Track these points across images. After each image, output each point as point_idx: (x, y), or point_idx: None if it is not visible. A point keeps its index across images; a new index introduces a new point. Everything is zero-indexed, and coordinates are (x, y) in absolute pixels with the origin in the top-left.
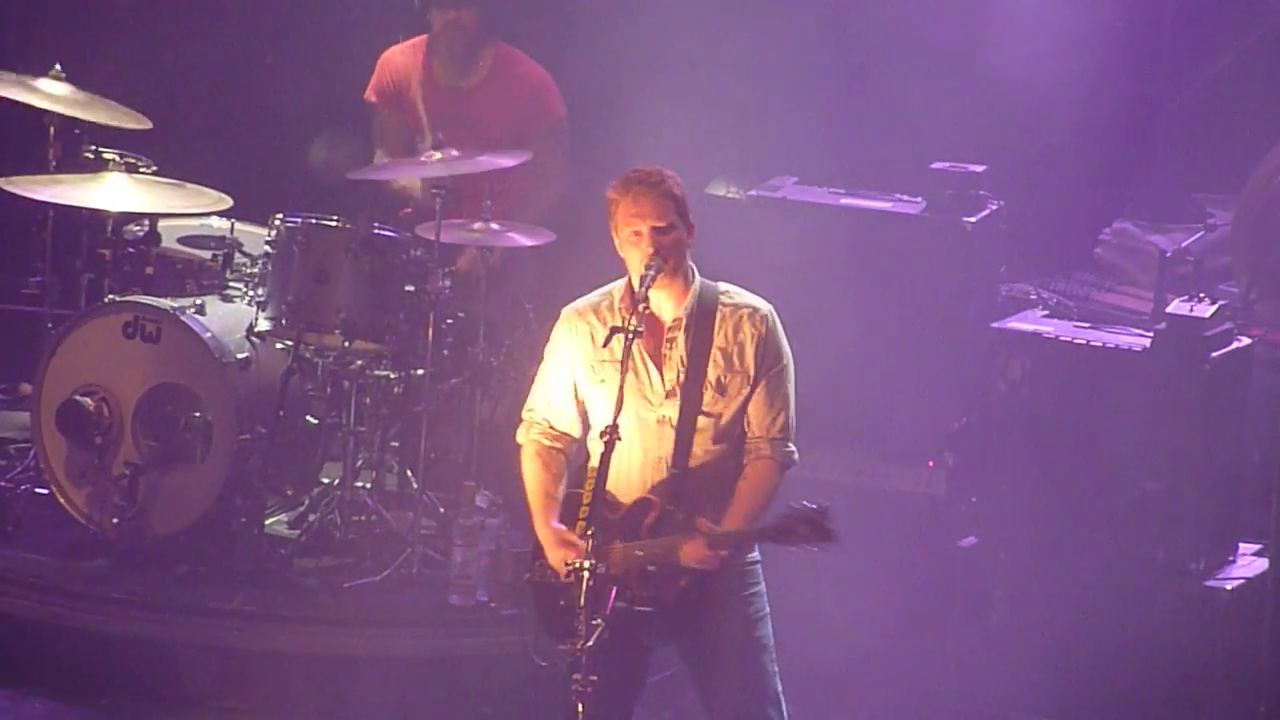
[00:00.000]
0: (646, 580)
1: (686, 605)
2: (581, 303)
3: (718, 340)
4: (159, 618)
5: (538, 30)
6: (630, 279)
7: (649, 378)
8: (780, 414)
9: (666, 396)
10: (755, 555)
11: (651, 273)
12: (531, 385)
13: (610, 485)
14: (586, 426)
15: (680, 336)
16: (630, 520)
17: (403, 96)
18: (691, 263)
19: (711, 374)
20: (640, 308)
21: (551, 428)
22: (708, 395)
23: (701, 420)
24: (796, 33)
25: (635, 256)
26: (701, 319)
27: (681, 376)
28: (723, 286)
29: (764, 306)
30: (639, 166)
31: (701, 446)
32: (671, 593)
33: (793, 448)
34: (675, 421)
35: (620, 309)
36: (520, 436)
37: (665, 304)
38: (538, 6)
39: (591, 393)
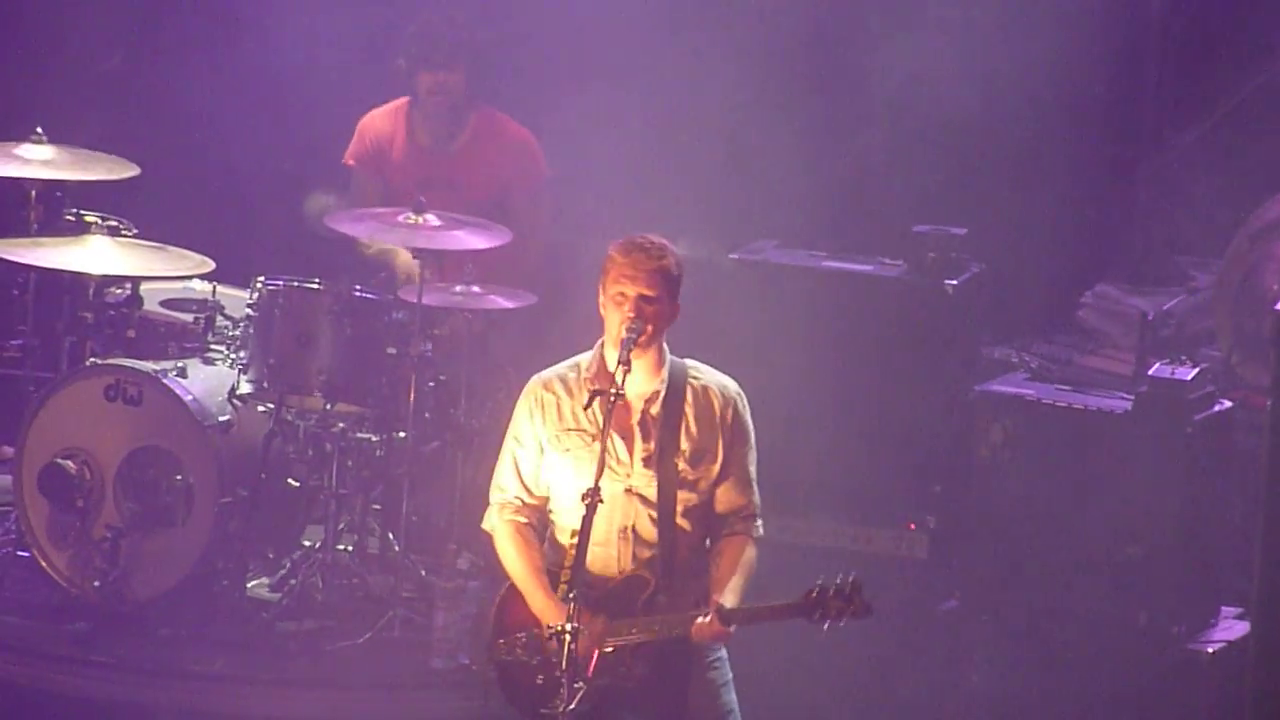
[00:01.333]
0: (637, 657)
1: (667, 683)
2: (548, 374)
3: (688, 415)
4: (140, 681)
5: (517, 93)
6: (604, 346)
7: (614, 448)
8: (749, 492)
9: (644, 466)
10: (721, 651)
11: (634, 335)
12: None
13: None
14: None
15: (653, 410)
16: (622, 597)
17: (383, 160)
18: (665, 342)
19: (684, 446)
20: (623, 370)
21: (521, 503)
22: (680, 467)
23: (680, 495)
24: (777, 94)
25: (615, 319)
26: (672, 395)
27: (654, 450)
28: (690, 364)
29: (731, 386)
30: (648, 234)
31: (678, 520)
32: (649, 667)
33: (760, 523)
34: (654, 497)
35: (587, 380)
36: (488, 523)
37: (638, 376)
38: (517, 69)
39: (556, 462)
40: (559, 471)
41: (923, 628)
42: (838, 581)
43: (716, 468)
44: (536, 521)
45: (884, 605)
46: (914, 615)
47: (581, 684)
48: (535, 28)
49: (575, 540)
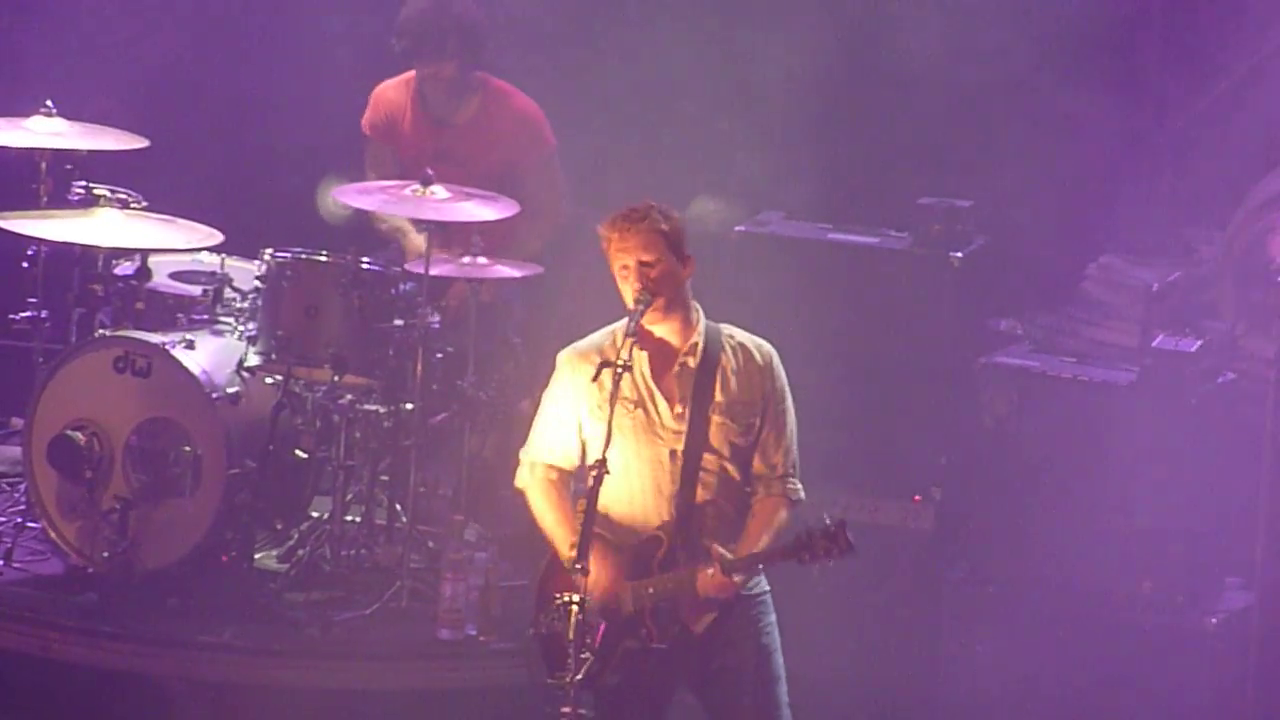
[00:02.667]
0: (658, 618)
1: (703, 641)
2: (584, 344)
3: (726, 368)
4: (149, 651)
5: (527, 67)
6: (625, 321)
7: (657, 412)
8: (786, 451)
9: (677, 421)
10: (765, 586)
11: (641, 306)
12: (529, 425)
13: (621, 524)
14: (583, 462)
15: (690, 362)
16: (639, 558)
17: (395, 130)
18: (696, 303)
19: (720, 399)
20: (629, 342)
21: (552, 468)
22: (714, 425)
23: (708, 455)
24: (784, 67)
25: (627, 292)
26: (708, 352)
27: (689, 406)
28: (726, 328)
29: (768, 345)
30: (630, 204)
31: (707, 481)
32: (691, 628)
33: (798, 484)
34: (681, 453)
35: (636, 346)
36: (521, 481)
37: (671, 335)
38: (526, 43)
39: (594, 430)
40: (600, 441)
41: (929, 599)
42: (825, 523)
43: (758, 421)
44: (567, 480)
45: (890, 577)
46: (920, 586)
47: (589, 654)
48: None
49: (581, 509)
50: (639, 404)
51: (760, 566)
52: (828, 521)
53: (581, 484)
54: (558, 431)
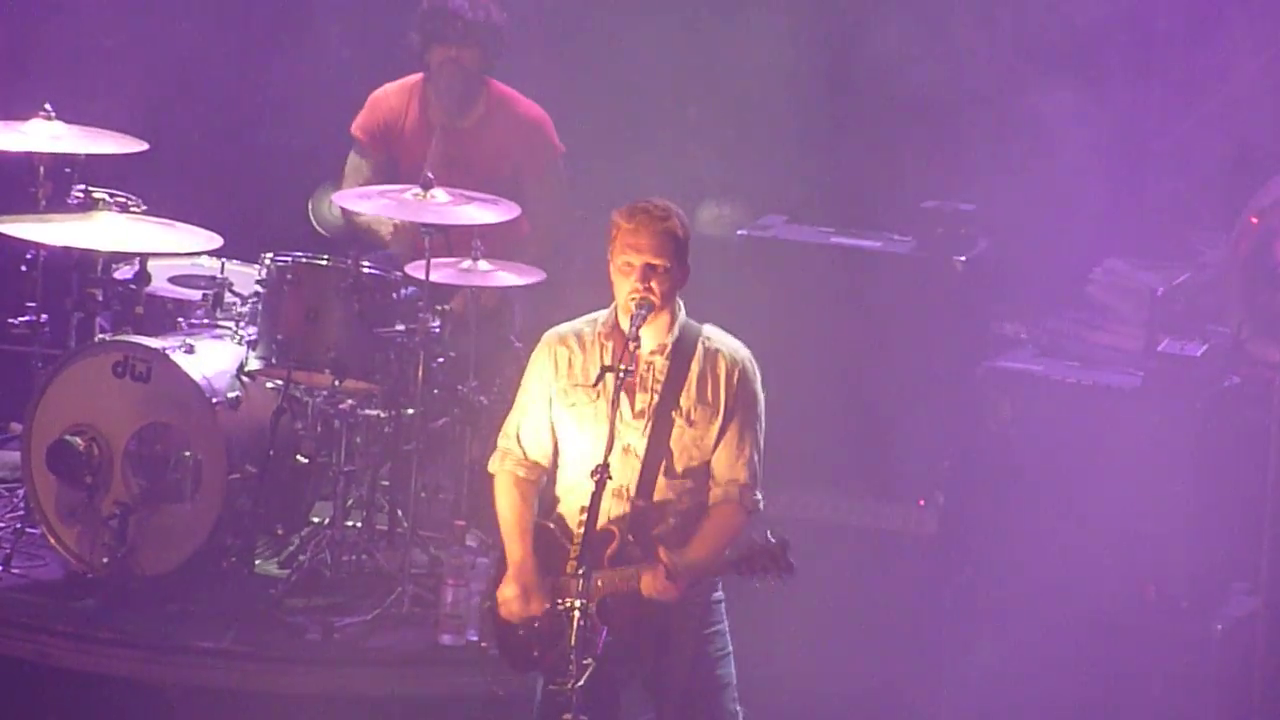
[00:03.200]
0: (602, 610)
1: (646, 641)
2: (564, 327)
3: (693, 372)
4: (149, 657)
5: (531, 69)
6: (616, 307)
7: (621, 410)
8: (749, 462)
9: (635, 418)
10: (719, 594)
11: (643, 312)
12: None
13: (571, 515)
14: (556, 455)
15: (658, 362)
16: (591, 552)
17: (393, 137)
18: (679, 300)
19: (683, 403)
20: (631, 347)
21: (525, 457)
22: (677, 425)
23: (665, 456)
24: (787, 71)
25: (624, 287)
26: (680, 351)
27: (654, 402)
28: (707, 329)
29: (743, 351)
30: (651, 198)
31: (665, 480)
32: (623, 622)
33: (759, 495)
34: (641, 452)
35: (600, 336)
36: (493, 465)
37: (647, 335)
38: (531, 46)
39: (562, 416)
40: (565, 426)
41: (932, 603)
42: (769, 540)
43: (715, 429)
44: (535, 478)
45: (894, 581)
46: (923, 591)
47: (590, 660)
48: (547, 3)
49: (583, 516)
50: (600, 394)
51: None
52: (771, 539)
53: (551, 487)
54: (530, 415)
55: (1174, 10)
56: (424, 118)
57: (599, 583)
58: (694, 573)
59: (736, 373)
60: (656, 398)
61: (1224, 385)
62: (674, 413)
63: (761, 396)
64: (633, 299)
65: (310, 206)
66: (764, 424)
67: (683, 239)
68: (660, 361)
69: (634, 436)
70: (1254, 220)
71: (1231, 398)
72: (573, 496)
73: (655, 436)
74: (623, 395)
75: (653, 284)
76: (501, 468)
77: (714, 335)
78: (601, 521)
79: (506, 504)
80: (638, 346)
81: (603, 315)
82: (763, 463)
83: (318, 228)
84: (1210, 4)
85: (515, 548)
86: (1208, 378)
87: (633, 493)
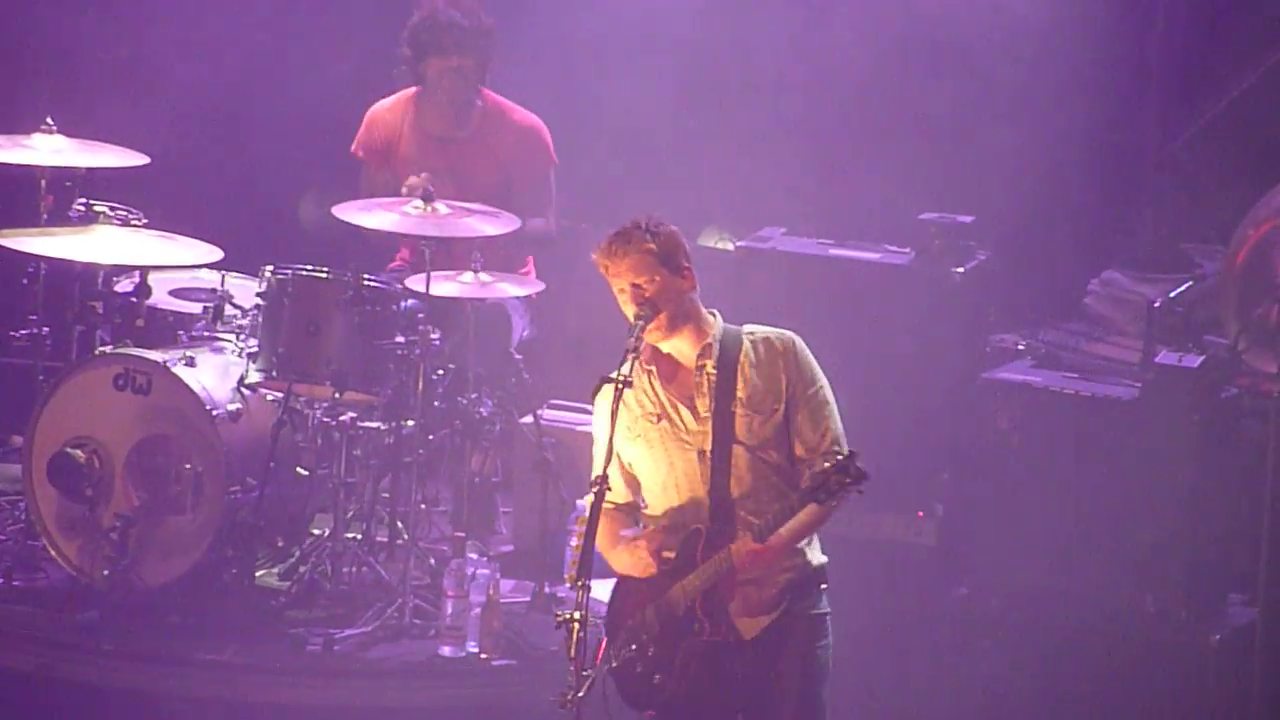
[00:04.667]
0: (708, 609)
1: (755, 648)
2: (611, 373)
3: (745, 364)
4: (150, 669)
5: (528, 81)
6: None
7: (681, 420)
8: (825, 431)
9: (699, 425)
10: (826, 607)
11: (640, 323)
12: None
13: (672, 534)
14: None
15: (708, 366)
16: (682, 558)
17: (391, 152)
18: (712, 311)
19: (740, 394)
20: (630, 358)
21: (611, 494)
22: (739, 419)
23: (737, 448)
24: (785, 84)
25: (629, 311)
26: (727, 350)
27: (712, 404)
28: (748, 326)
29: (789, 334)
30: (622, 224)
31: (739, 475)
32: (746, 620)
33: (849, 450)
34: (709, 447)
35: (641, 363)
36: (586, 499)
37: (685, 346)
38: (528, 58)
39: (631, 451)
40: (637, 461)
41: (932, 614)
42: (837, 457)
43: (783, 407)
44: (627, 511)
45: (893, 593)
46: (923, 602)
47: (590, 671)
48: (543, 16)
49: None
50: (661, 416)
51: (809, 557)
52: (839, 455)
53: (643, 521)
54: (602, 460)
55: (1173, 21)
56: (420, 130)
57: (695, 581)
58: (776, 521)
59: (791, 350)
60: (713, 401)
61: (1221, 397)
62: (733, 407)
63: (818, 367)
64: (638, 320)
65: (299, 209)
66: (830, 391)
67: (657, 250)
68: (710, 365)
69: (701, 440)
70: (1252, 232)
71: (1229, 409)
72: (665, 519)
73: (720, 434)
74: (683, 413)
75: (648, 296)
76: (591, 496)
77: (756, 329)
78: (688, 528)
79: (601, 531)
80: (637, 357)
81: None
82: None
83: (305, 227)
84: (1209, 15)
85: (619, 556)
86: (1205, 389)
87: (711, 492)
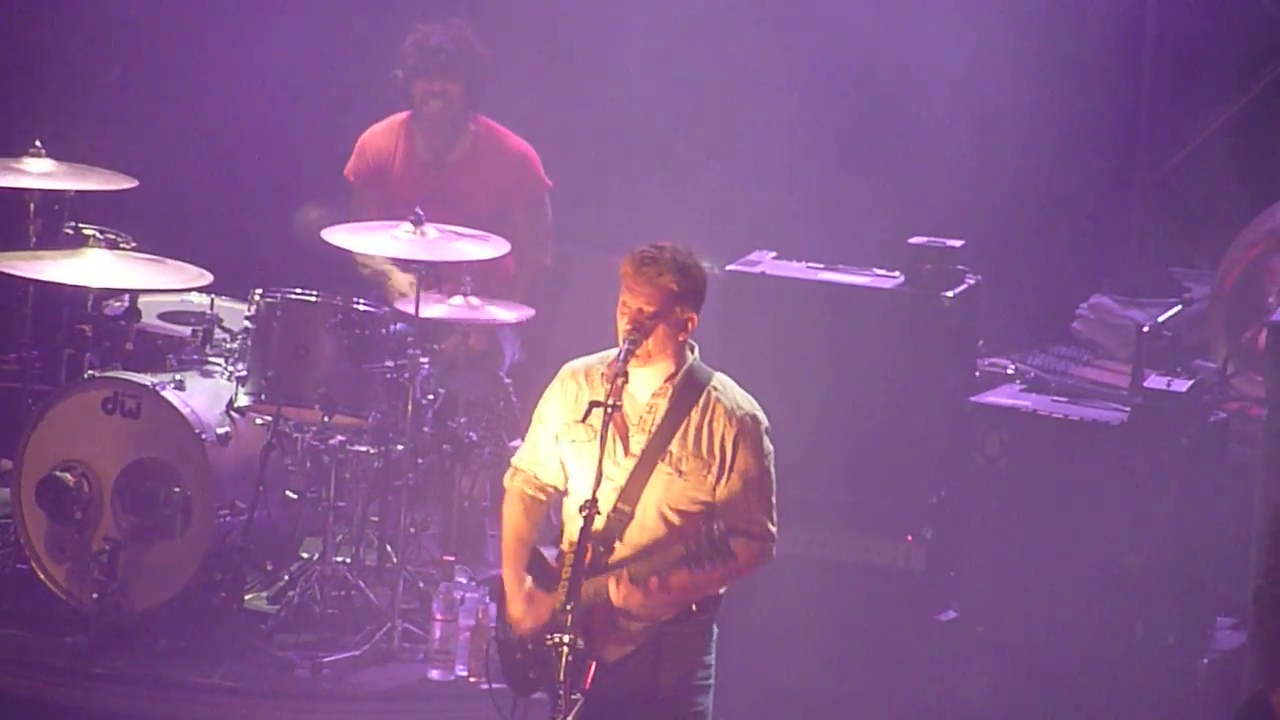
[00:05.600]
0: (584, 621)
1: (639, 661)
2: (579, 363)
3: (691, 421)
4: (139, 693)
5: (517, 107)
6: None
7: (614, 450)
8: (760, 515)
9: (625, 458)
10: (706, 632)
11: (628, 345)
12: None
13: (570, 544)
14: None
15: (660, 405)
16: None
17: (384, 176)
18: (691, 348)
19: (675, 451)
20: (618, 381)
21: (536, 478)
22: (663, 473)
23: (646, 502)
24: (775, 107)
25: (621, 324)
26: (683, 396)
27: (645, 443)
28: (717, 378)
29: (747, 405)
30: (660, 244)
31: (636, 526)
32: (602, 633)
33: (769, 546)
34: (624, 483)
35: (603, 376)
36: (506, 481)
37: (647, 379)
38: (518, 82)
39: (565, 451)
40: (568, 462)
41: (920, 639)
42: (714, 531)
43: (709, 482)
44: (545, 499)
45: (881, 616)
46: (911, 626)
47: (579, 695)
48: (532, 39)
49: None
50: (601, 437)
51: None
52: (716, 531)
53: (557, 514)
54: (540, 443)
55: (1162, 46)
56: (412, 154)
57: (583, 593)
58: (650, 572)
59: (736, 431)
60: (648, 441)
61: (1210, 421)
62: (662, 461)
63: (769, 451)
64: (626, 339)
65: (295, 219)
66: (774, 477)
67: (679, 291)
68: (662, 405)
69: (621, 475)
70: (1240, 257)
71: (1218, 433)
72: (572, 525)
73: (634, 480)
74: (618, 445)
75: (641, 323)
76: (512, 484)
77: (721, 386)
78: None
79: (510, 520)
80: (625, 381)
81: (614, 352)
82: (778, 513)
83: (299, 236)
84: (1198, 41)
85: (510, 571)
86: (1194, 414)
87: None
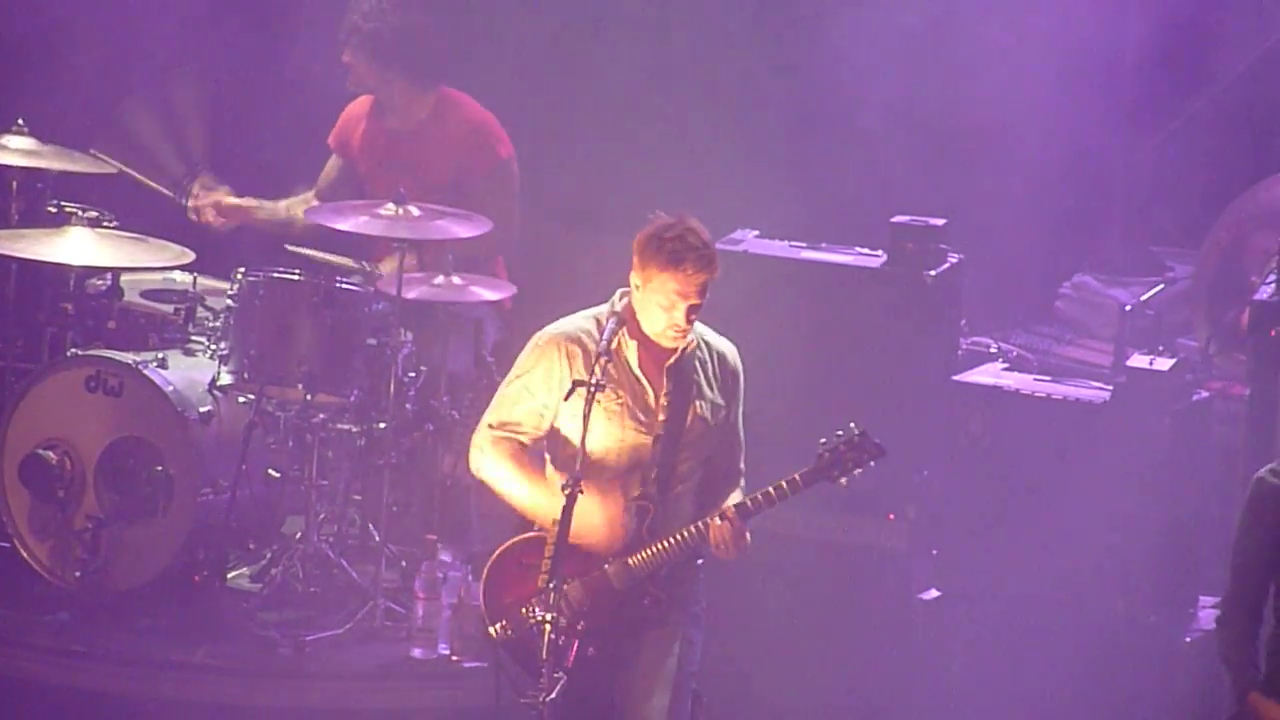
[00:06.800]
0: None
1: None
2: (569, 328)
3: (705, 370)
4: (122, 671)
5: (499, 82)
6: (606, 310)
7: (644, 399)
8: (741, 455)
9: (659, 413)
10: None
11: (612, 324)
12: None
13: (600, 506)
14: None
15: (685, 357)
16: (630, 533)
17: (350, 142)
18: None
19: (703, 396)
20: (602, 360)
21: (518, 434)
22: (693, 418)
23: (685, 445)
24: (755, 85)
25: (660, 320)
26: (696, 351)
27: (672, 397)
28: (697, 328)
29: (734, 350)
30: (695, 230)
31: (683, 471)
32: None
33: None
34: (661, 439)
35: (626, 334)
36: (478, 453)
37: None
38: (491, 54)
39: (569, 423)
40: (585, 423)
41: (903, 618)
42: (845, 434)
43: (721, 420)
44: (537, 447)
45: (864, 596)
46: (894, 605)
47: (562, 673)
48: (517, 18)
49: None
50: (624, 390)
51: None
52: (854, 430)
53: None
54: (527, 411)
55: (1144, 25)
56: (376, 124)
57: (656, 554)
58: (767, 503)
59: (737, 372)
60: (675, 390)
61: (1192, 400)
62: (693, 402)
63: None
64: (671, 333)
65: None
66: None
67: (715, 277)
68: (686, 356)
69: (657, 426)
70: (1223, 236)
71: (1200, 412)
72: (598, 490)
73: (672, 425)
74: (647, 387)
75: (692, 317)
76: (494, 446)
77: (708, 334)
78: (620, 498)
79: (514, 468)
80: (610, 360)
81: (599, 313)
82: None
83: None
84: (1180, 22)
85: (542, 503)
86: (1176, 392)
87: (657, 479)
